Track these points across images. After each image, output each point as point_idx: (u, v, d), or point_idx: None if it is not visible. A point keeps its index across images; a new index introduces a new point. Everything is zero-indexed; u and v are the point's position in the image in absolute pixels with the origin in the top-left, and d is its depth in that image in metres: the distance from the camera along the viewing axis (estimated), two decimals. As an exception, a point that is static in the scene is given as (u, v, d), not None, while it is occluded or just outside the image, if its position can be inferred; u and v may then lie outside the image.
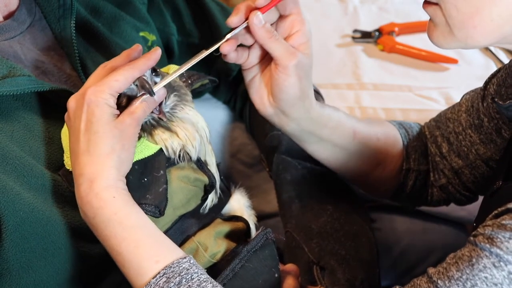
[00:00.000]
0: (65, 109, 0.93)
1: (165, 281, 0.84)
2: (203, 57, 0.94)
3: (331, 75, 1.62)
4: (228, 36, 0.95)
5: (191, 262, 0.87)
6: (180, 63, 1.04)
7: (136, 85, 0.91)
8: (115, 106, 0.89)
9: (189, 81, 1.05)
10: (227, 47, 0.95)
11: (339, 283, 1.11)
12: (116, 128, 0.88)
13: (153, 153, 0.94)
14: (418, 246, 1.34)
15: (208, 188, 1.00)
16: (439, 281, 0.80)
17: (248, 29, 0.95)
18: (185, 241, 0.98)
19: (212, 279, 0.87)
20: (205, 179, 1.00)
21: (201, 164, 0.99)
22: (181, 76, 1.00)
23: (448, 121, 1.13)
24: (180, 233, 0.98)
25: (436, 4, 0.85)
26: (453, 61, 1.64)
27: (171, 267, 0.85)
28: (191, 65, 0.94)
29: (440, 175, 1.15)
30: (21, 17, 1.05)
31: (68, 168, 0.95)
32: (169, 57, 1.30)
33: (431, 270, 0.83)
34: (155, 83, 0.93)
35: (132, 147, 0.90)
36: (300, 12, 0.97)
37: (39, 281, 0.94)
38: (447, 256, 0.83)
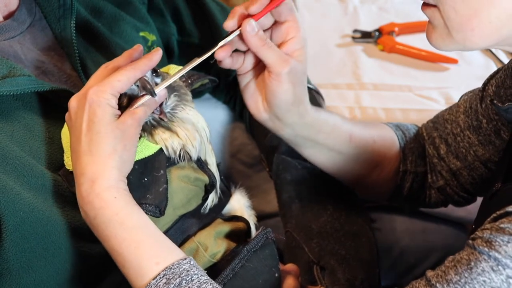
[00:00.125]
0: (65, 109, 0.93)
1: (165, 283, 0.84)
2: (197, 63, 0.95)
3: (331, 75, 1.62)
4: (221, 43, 0.95)
5: (191, 263, 0.87)
6: (180, 63, 1.04)
7: (138, 85, 0.91)
8: (117, 106, 0.90)
9: (189, 81, 1.05)
10: (221, 54, 0.96)
11: (339, 283, 1.11)
12: (118, 129, 0.88)
13: (153, 152, 0.94)
14: (418, 246, 1.34)
15: (208, 188, 1.00)
16: (437, 285, 0.80)
17: (241, 35, 0.95)
18: (185, 241, 0.99)
19: (212, 281, 0.87)
20: (206, 179, 1.00)
21: (201, 164, 0.99)
22: (181, 76, 1.00)
23: (446, 122, 1.13)
24: (180, 233, 0.98)
25: (435, 6, 0.85)
26: (453, 61, 1.64)
27: (171, 268, 0.85)
28: (191, 68, 0.94)
29: (438, 177, 1.15)
30: (21, 17, 1.05)
31: (68, 168, 0.95)
32: (169, 57, 1.30)
33: (429, 273, 0.82)
34: (156, 83, 0.94)
35: (134, 147, 0.90)
36: (296, 19, 0.97)
37: (39, 281, 0.94)
38: (447, 256, 0.83)
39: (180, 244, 0.97)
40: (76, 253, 0.96)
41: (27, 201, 0.91)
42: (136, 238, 0.87)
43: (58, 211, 0.94)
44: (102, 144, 0.87)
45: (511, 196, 0.85)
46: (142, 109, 0.90)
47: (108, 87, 0.88)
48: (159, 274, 0.85)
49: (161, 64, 0.98)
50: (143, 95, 0.91)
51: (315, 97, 1.35)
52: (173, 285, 0.84)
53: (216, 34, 1.30)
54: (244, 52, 0.99)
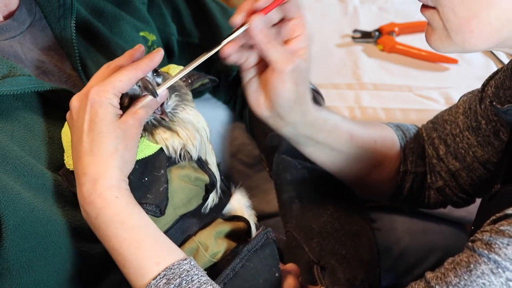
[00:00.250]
0: (65, 109, 0.93)
1: (165, 283, 0.84)
2: (204, 60, 0.94)
3: (331, 75, 1.62)
4: (229, 39, 0.95)
5: (192, 264, 0.87)
6: (180, 63, 1.04)
7: (139, 85, 0.91)
8: (119, 106, 0.90)
9: (189, 81, 1.05)
10: (228, 50, 0.95)
11: (340, 283, 1.11)
12: (119, 128, 0.88)
13: (153, 152, 0.95)
14: (418, 246, 1.34)
15: (209, 188, 1.00)
16: (437, 287, 0.80)
17: (247, 31, 0.94)
18: (186, 241, 0.99)
19: (213, 281, 0.87)
20: (206, 178, 1.00)
21: (201, 163, 0.99)
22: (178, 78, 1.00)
23: (445, 123, 1.13)
24: (180, 232, 0.98)
25: (434, 8, 0.85)
26: (453, 61, 1.64)
27: (171, 268, 0.85)
28: (193, 68, 0.94)
29: (437, 177, 1.15)
30: (21, 17, 1.05)
31: (68, 167, 0.95)
32: (169, 57, 1.30)
33: (429, 275, 0.82)
34: (157, 83, 0.94)
35: (135, 147, 0.90)
36: (303, 16, 0.97)
37: (39, 281, 0.94)
38: (447, 256, 0.83)
39: (180, 244, 0.97)
40: (76, 253, 0.96)
41: (27, 201, 0.91)
42: (137, 238, 0.87)
43: (58, 211, 0.94)
44: (104, 144, 0.87)
45: (510, 198, 0.85)
46: (144, 109, 0.90)
47: (109, 87, 0.88)
48: (159, 274, 0.85)
49: (161, 64, 0.98)
50: (144, 95, 0.91)
51: (315, 97, 1.35)
52: (173, 286, 0.84)
53: (216, 34, 1.30)
54: (249, 48, 0.99)
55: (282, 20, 0.98)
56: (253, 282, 0.95)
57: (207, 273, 0.89)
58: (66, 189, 0.95)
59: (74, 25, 1.06)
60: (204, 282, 0.86)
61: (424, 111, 1.51)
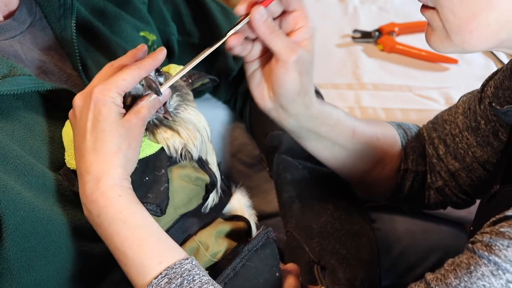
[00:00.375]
0: (65, 109, 0.93)
1: (166, 282, 0.84)
2: (208, 54, 0.95)
3: (331, 75, 1.62)
4: (231, 32, 0.95)
5: (193, 263, 0.87)
6: (180, 63, 1.04)
7: (142, 84, 0.91)
8: (122, 105, 0.90)
9: (190, 81, 1.05)
10: (233, 41, 0.95)
11: (340, 283, 1.11)
12: (123, 127, 0.88)
13: (154, 152, 0.95)
14: (418, 246, 1.34)
15: (209, 187, 1.01)
16: None
17: (250, 23, 0.94)
18: (186, 240, 0.99)
19: (214, 281, 0.87)
20: (206, 178, 1.00)
21: (202, 163, 0.99)
22: (181, 75, 1.00)
23: (445, 123, 1.13)
24: (181, 232, 0.98)
25: (434, 8, 0.85)
26: (453, 61, 1.64)
27: (173, 268, 0.85)
28: (196, 63, 0.94)
29: (437, 177, 1.15)
30: (21, 17, 1.05)
31: (69, 166, 0.95)
32: (169, 57, 1.30)
33: (429, 276, 0.82)
34: (160, 82, 0.94)
35: (138, 146, 0.90)
36: (304, 8, 0.97)
37: (39, 281, 0.94)
38: (447, 257, 0.83)
39: (181, 244, 0.97)
40: (76, 253, 0.96)
41: (27, 201, 0.91)
42: (139, 237, 0.87)
43: (58, 211, 0.94)
44: (107, 143, 0.87)
45: (509, 199, 0.85)
46: (147, 108, 0.91)
47: (113, 86, 0.88)
48: (161, 273, 0.85)
49: (162, 64, 0.98)
50: (147, 94, 0.91)
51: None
52: (174, 285, 0.84)
53: (216, 34, 1.30)
54: (253, 40, 0.99)
55: (283, 13, 0.98)
56: (253, 281, 0.95)
57: (208, 273, 0.89)
58: (66, 188, 0.95)
59: (74, 25, 1.06)
60: (206, 282, 0.86)
61: (424, 111, 1.51)
